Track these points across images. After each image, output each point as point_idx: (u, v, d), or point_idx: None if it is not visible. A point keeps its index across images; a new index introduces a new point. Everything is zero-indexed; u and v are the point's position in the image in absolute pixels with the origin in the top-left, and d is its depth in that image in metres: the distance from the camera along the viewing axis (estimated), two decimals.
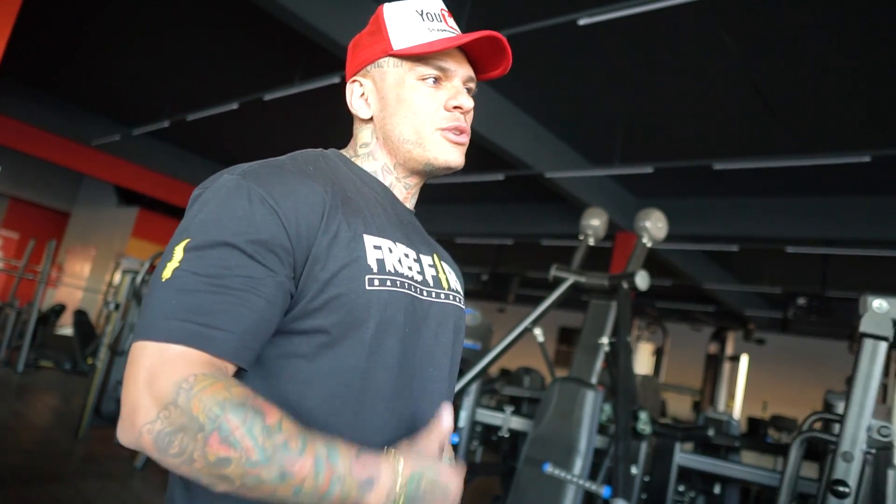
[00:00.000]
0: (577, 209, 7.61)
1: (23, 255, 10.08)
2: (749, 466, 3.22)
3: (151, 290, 0.70)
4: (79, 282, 14.13)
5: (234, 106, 7.02)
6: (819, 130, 6.15)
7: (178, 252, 0.71)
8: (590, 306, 3.58)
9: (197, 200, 0.77)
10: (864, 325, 2.04)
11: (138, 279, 5.54)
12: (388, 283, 0.80)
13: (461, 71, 0.92)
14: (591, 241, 3.77)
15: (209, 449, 0.61)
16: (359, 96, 0.94)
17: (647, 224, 3.48)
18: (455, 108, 0.90)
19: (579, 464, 3.00)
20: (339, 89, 6.30)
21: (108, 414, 5.33)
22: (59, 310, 10.30)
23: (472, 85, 0.95)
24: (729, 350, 12.18)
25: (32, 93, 9.74)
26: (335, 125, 8.24)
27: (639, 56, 5.43)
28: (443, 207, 11.36)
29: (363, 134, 0.95)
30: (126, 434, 0.64)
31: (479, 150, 7.12)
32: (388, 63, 0.91)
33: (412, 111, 0.89)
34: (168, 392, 0.62)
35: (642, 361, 12.49)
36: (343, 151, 0.97)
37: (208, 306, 0.67)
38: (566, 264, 3.69)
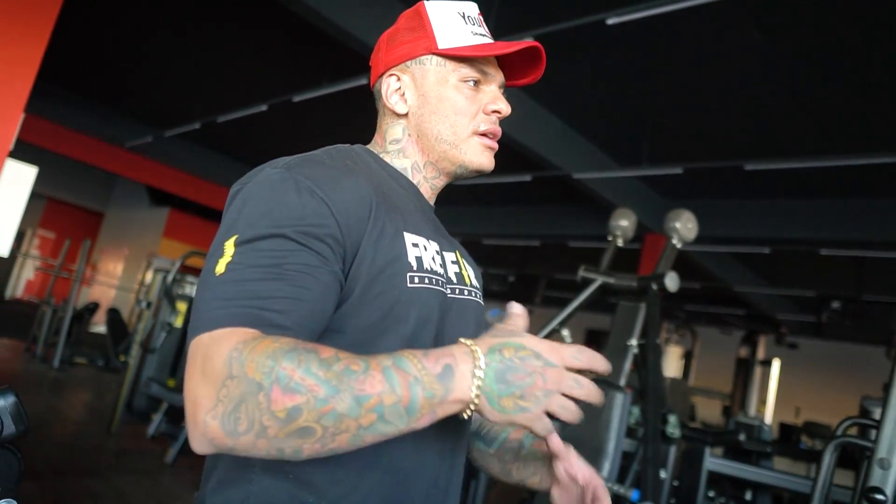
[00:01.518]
0: (604, 210, 7.54)
1: (59, 255, 10.31)
2: (782, 473, 3.16)
3: (203, 286, 0.68)
4: (112, 280, 14.42)
5: (264, 108, 7.10)
6: (855, 130, 6.02)
7: (229, 248, 0.69)
8: (618, 308, 3.55)
9: (238, 195, 0.76)
10: None
11: (169, 278, 5.64)
12: (427, 280, 0.80)
13: (499, 76, 0.93)
14: (620, 242, 3.73)
15: (275, 406, 0.57)
16: (395, 90, 0.92)
17: (677, 225, 3.44)
18: (494, 111, 0.91)
19: (607, 467, 2.97)
20: (367, 91, 6.29)
21: (139, 410, 5.43)
22: (92, 308, 10.52)
23: (503, 91, 0.95)
24: (760, 354, 11.96)
25: (69, 96, 9.97)
26: (363, 126, 8.25)
27: (668, 55, 5.37)
28: (470, 208, 11.35)
29: (395, 130, 0.94)
30: (196, 437, 0.61)
31: (507, 151, 7.10)
32: (432, 61, 0.90)
33: (453, 111, 0.89)
34: (221, 369, 0.59)
35: (671, 365, 12.33)
36: (370, 147, 0.96)
37: (267, 292, 0.65)
38: (594, 265, 3.66)
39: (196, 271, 7.80)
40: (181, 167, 11.39)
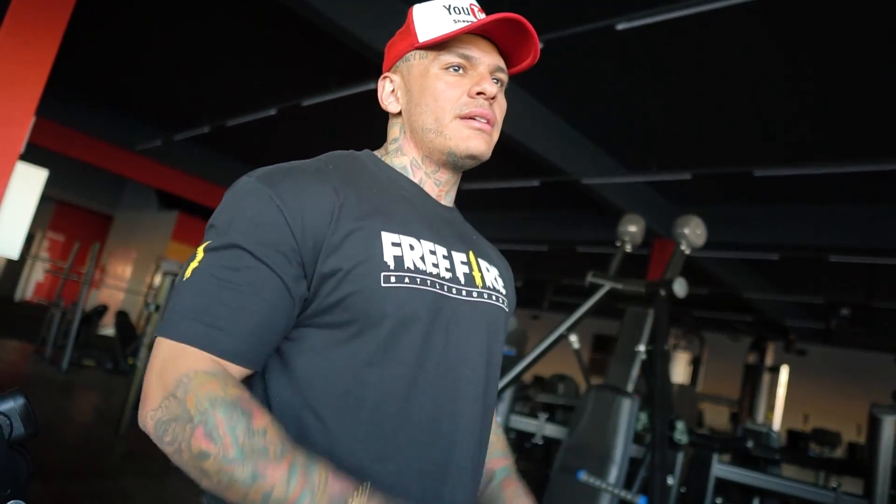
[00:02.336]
0: (613, 216, 7.53)
1: (68, 257, 10.37)
2: (790, 480, 3.14)
3: (176, 287, 0.75)
4: (121, 283, 14.49)
5: (273, 112, 7.13)
6: (865, 136, 5.99)
7: (200, 252, 0.76)
8: (626, 313, 3.54)
9: (221, 202, 0.81)
10: None
11: (177, 281, 5.66)
12: (407, 280, 0.78)
13: (487, 59, 0.90)
14: (629, 248, 3.72)
15: (194, 441, 0.64)
16: (389, 92, 0.95)
17: (686, 231, 3.43)
18: (478, 94, 0.88)
19: (614, 472, 2.96)
20: (376, 95, 6.31)
21: None
22: (101, 310, 10.57)
23: (503, 76, 0.93)
24: (769, 361, 11.88)
25: (79, 100, 10.04)
26: (371, 130, 8.28)
27: (678, 61, 5.36)
28: (477, 213, 11.35)
29: (393, 129, 0.96)
30: (140, 418, 0.69)
31: (515, 156, 7.10)
32: (415, 56, 0.91)
33: (434, 98, 0.88)
34: (170, 385, 0.67)
35: (679, 371, 12.27)
36: (376, 152, 0.97)
37: (215, 308, 0.71)
38: (602, 271, 3.65)
39: None
40: (190, 171, 11.44)
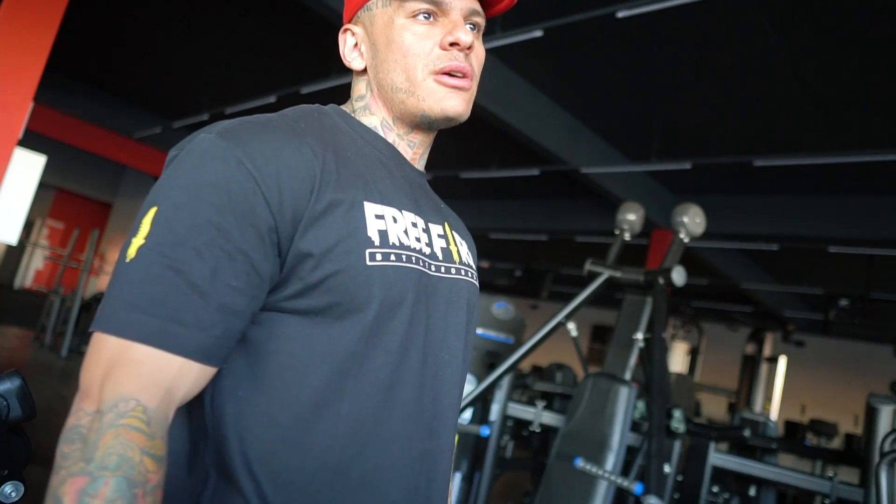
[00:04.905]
0: (612, 205, 7.52)
1: (67, 244, 10.37)
2: (787, 469, 3.16)
3: (116, 268, 0.62)
4: None
5: (272, 99, 7.11)
6: (866, 127, 5.97)
7: (146, 225, 0.62)
8: (625, 302, 3.54)
9: (171, 163, 0.66)
10: None
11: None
12: (393, 257, 0.70)
13: (460, 4, 0.79)
14: (627, 237, 3.72)
15: (69, 484, 0.53)
16: (352, 47, 0.84)
17: (685, 219, 3.42)
18: (452, 45, 0.78)
19: (611, 460, 2.97)
20: None
21: None
22: (100, 298, 10.57)
23: (479, 20, 0.82)
24: (767, 351, 11.92)
25: (78, 86, 10.00)
26: None
27: (678, 50, 5.34)
28: (476, 202, 11.34)
29: (359, 86, 0.85)
30: (75, 400, 0.60)
31: (514, 145, 7.08)
32: (377, 4, 0.80)
33: (402, 54, 0.78)
34: (105, 401, 0.57)
35: (677, 360, 12.31)
36: (343, 107, 0.87)
37: (173, 297, 0.59)
38: (601, 260, 3.65)
39: None
40: None
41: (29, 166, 4.31)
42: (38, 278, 16.61)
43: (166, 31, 7.32)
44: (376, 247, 0.69)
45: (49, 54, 4.12)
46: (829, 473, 3.14)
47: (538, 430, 3.73)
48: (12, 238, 4.36)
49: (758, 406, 11.55)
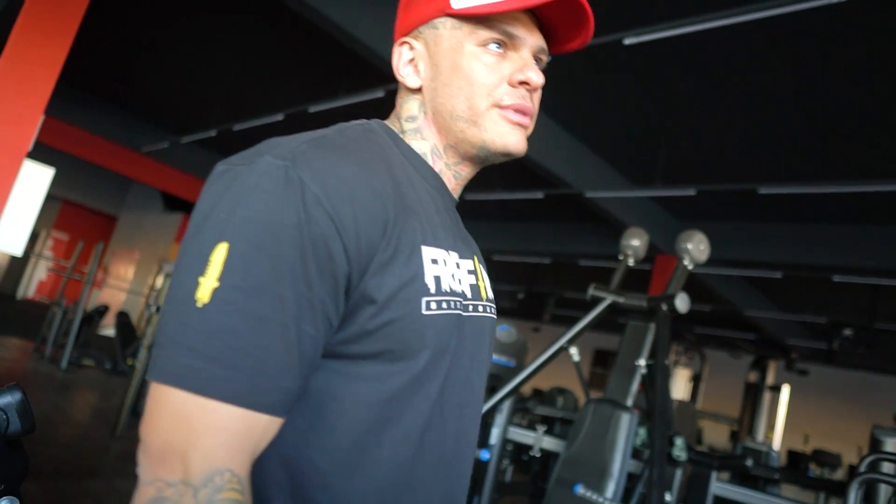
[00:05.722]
0: (616, 230, 7.53)
1: (71, 256, 10.40)
2: (790, 500, 3.12)
3: (182, 311, 0.56)
4: (123, 284, 14.51)
5: (280, 117, 7.16)
6: (870, 156, 5.98)
7: (216, 264, 0.56)
8: (627, 327, 3.53)
9: (228, 185, 0.60)
10: None
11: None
12: (444, 304, 0.69)
13: (531, 40, 0.77)
14: (631, 262, 3.72)
15: None
16: (407, 61, 0.80)
17: (689, 246, 3.42)
18: (521, 83, 0.76)
19: (612, 487, 2.94)
20: (384, 103, 6.39)
21: None
22: (102, 310, 10.58)
23: (544, 57, 0.80)
24: (770, 380, 11.85)
25: (88, 100, 10.10)
26: None
27: (684, 77, 5.37)
28: (480, 224, 11.36)
29: (410, 105, 0.81)
30: (146, 465, 0.55)
31: (519, 168, 7.11)
32: (446, 24, 0.76)
33: (468, 82, 0.75)
34: (197, 474, 0.53)
35: (679, 387, 12.23)
36: (389, 125, 0.82)
37: (259, 351, 0.55)
38: (604, 284, 3.64)
39: None
40: (196, 174, 11.49)
41: (37, 178, 4.34)
42: (41, 289, 16.62)
43: (177, 47, 7.40)
44: (431, 295, 0.67)
45: (62, 68, 4.17)
46: None
47: (538, 455, 3.70)
48: (17, 250, 4.37)
49: (760, 435, 11.44)
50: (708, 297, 10.89)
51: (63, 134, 9.75)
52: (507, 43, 0.76)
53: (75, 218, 16.37)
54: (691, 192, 6.64)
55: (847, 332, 9.30)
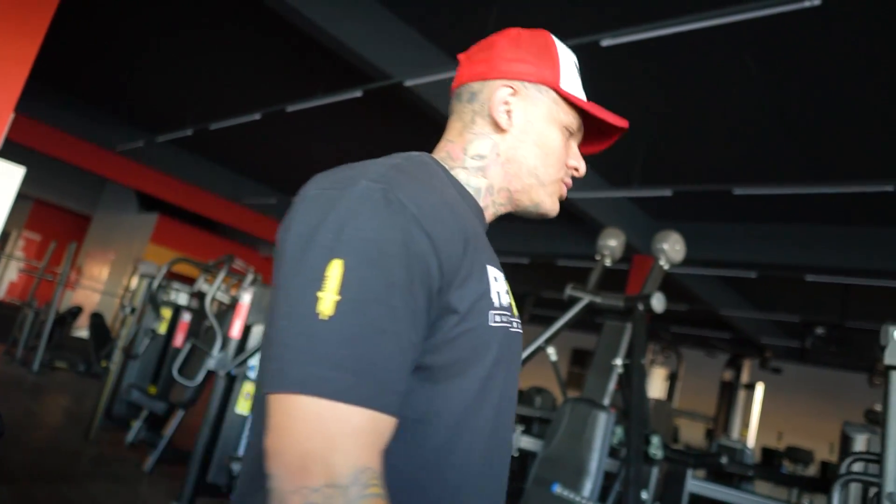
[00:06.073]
0: (594, 230, 7.57)
1: (43, 257, 10.22)
2: (763, 497, 3.16)
3: (303, 324, 0.60)
4: (97, 285, 14.28)
5: (257, 116, 7.10)
6: (842, 158, 6.10)
7: (334, 279, 0.60)
8: (604, 327, 3.55)
9: (333, 209, 0.65)
10: (890, 358, 1.99)
11: (155, 284, 5.58)
12: (500, 318, 0.76)
13: (580, 136, 0.93)
14: (608, 262, 3.75)
15: None
16: (502, 102, 0.85)
17: (665, 246, 3.46)
18: (573, 168, 0.91)
19: (589, 486, 2.96)
20: (361, 103, 6.36)
21: (118, 416, 5.36)
22: (76, 312, 10.42)
23: None
24: (744, 378, 12.00)
25: (60, 97, 9.93)
26: (354, 139, 8.29)
27: (661, 79, 5.43)
28: None
29: (482, 144, 0.86)
30: (284, 476, 0.57)
31: None
32: (549, 94, 0.86)
33: (550, 151, 0.87)
34: (343, 475, 0.56)
35: (655, 386, 12.35)
36: (438, 158, 0.87)
37: (381, 358, 0.60)
38: (582, 284, 3.66)
39: (182, 278, 7.73)
40: (171, 173, 11.35)
41: (7, 177, 4.25)
42: (12, 290, 16.30)
43: (152, 45, 7.31)
44: (496, 308, 0.74)
45: (33, 64, 4.09)
46: (805, 501, 3.16)
47: (516, 455, 3.71)
48: None
49: (735, 432, 11.59)
50: (684, 296, 11.02)
51: (34, 132, 9.58)
52: (573, 134, 0.90)
53: (48, 218, 16.06)
54: (668, 192, 6.71)
55: (819, 330, 9.46)
